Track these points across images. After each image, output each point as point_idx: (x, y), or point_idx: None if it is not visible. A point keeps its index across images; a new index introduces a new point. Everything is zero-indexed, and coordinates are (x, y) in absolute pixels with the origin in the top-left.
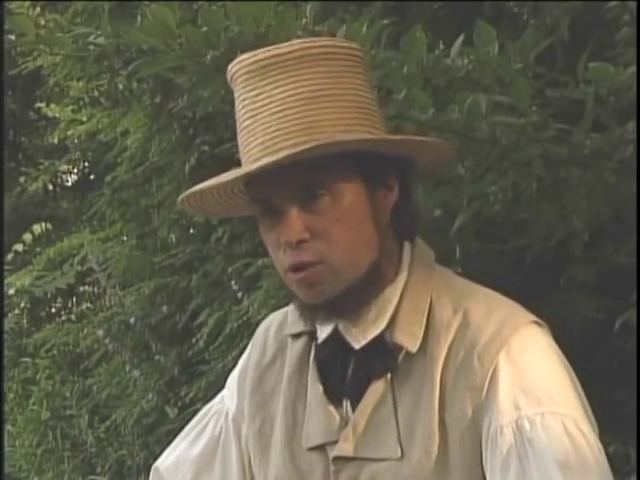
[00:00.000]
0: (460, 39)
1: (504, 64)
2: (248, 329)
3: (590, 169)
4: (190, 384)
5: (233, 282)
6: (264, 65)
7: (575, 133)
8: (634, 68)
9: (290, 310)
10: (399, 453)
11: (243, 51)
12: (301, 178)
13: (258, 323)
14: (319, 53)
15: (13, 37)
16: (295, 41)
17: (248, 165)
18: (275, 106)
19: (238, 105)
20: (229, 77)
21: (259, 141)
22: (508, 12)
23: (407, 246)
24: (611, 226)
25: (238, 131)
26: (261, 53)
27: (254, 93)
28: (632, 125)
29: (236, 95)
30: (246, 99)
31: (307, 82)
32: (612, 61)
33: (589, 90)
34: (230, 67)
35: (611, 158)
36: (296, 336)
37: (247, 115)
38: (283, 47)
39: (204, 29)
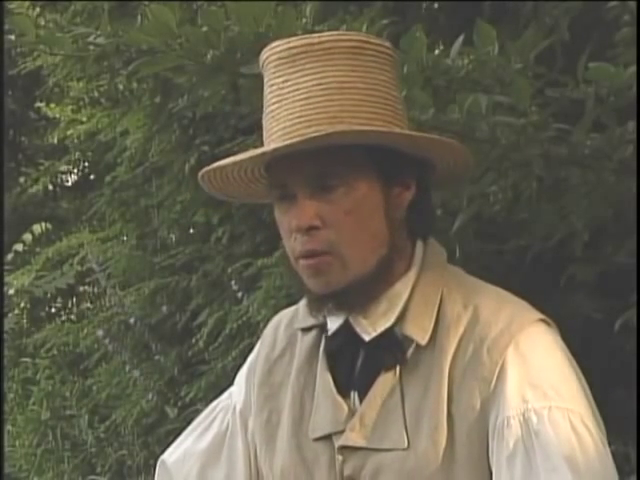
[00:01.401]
0: (460, 39)
1: (504, 64)
2: (248, 329)
3: (590, 169)
4: (190, 384)
5: (233, 282)
6: (294, 53)
7: (575, 133)
8: (634, 68)
9: (301, 305)
10: (405, 443)
11: (243, 51)
12: (318, 167)
13: (258, 323)
14: (349, 47)
15: (13, 37)
16: (328, 32)
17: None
18: (300, 94)
19: (266, 90)
20: (261, 63)
21: (281, 126)
22: (508, 12)
23: (420, 244)
24: (611, 226)
25: (264, 115)
26: (293, 41)
27: (282, 79)
28: (632, 125)
29: (265, 80)
30: (274, 85)
31: (334, 73)
32: (612, 61)
33: (589, 90)
34: (263, 53)
35: (611, 158)
36: (306, 330)
37: (273, 100)
38: (315, 37)
39: (204, 29)
